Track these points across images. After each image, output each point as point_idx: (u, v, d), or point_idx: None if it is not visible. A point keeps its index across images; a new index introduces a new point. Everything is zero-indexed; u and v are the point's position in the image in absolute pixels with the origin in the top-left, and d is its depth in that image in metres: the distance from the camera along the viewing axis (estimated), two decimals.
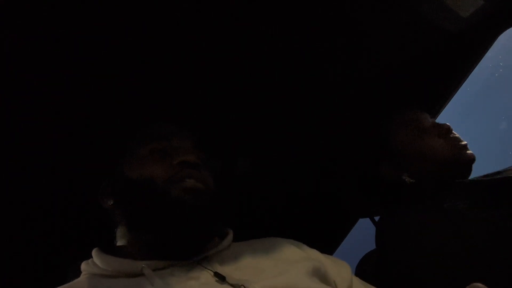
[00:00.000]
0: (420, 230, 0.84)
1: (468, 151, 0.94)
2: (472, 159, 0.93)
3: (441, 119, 1.22)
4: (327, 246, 1.51)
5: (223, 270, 0.61)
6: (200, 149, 0.74)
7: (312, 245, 0.77)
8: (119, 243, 0.69)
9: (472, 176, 0.97)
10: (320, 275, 0.65)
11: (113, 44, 0.79)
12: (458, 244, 0.77)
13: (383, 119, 1.08)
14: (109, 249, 0.67)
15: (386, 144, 1.04)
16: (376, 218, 1.31)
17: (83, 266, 0.65)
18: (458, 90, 1.24)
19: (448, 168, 0.93)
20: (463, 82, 1.22)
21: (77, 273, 0.65)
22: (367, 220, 1.29)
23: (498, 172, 0.93)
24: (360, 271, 1.07)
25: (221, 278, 0.59)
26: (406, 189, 0.99)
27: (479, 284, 0.49)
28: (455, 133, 0.97)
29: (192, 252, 0.65)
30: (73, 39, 0.74)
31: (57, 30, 0.72)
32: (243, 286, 0.57)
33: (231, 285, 0.58)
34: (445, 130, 0.96)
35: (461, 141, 0.95)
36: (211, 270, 0.60)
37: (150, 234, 0.65)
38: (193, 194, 0.64)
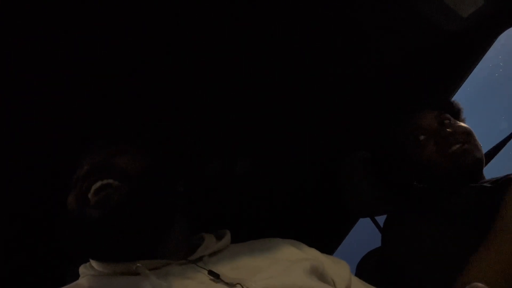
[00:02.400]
0: (423, 233, 0.83)
1: (468, 155, 0.89)
2: (468, 164, 0.88)
3: None
4: (327, 246, 1.51)
5: (218, 269, 0.61)
6: (112, 145, 0.70)
7: (312, 245, 0.77)
8: None
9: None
10: (318, 274, 0.65)
11: (111, 45, 0.79)
12: (458, 249, 0.76)
13: (389, 126, 1.05)
14: None
15: (393, 151, 1.02)
16: (377, 218, 1.31)
17: (81, 269, 0.66)
18: (458, 90, 1.25)
19: (450, 175, 0.91)
20: (463, 82, 1.22)
21: (76, 277, 0.65)
22: (367, 220, 1.29)
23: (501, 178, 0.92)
24: (360, 271, 1.07)
25: (215, 276, 0.58)
26: (415, 193, 0.99)
27: (479, 284, 0.49)
28: (459, 136, 0.91)
29: (138, 252, 0.63)
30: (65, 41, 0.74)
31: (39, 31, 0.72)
32: (239, 284, 0.57)
33: (227, 283, 0.57)
34: (442, 136, 0.91)
35: (462, 144, 0.90)
36: (205, 269, 0.60)
37: (99, 260, 0.63)
38: (102, 203, 0.60)
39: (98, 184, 0.62)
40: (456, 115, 1.01)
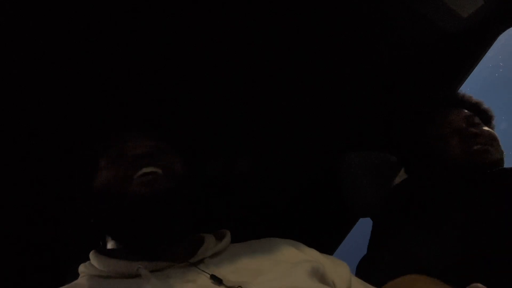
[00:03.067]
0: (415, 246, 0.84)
1: (489, 155, 0.90)
2: (486, 163, 0.90)
3: None
4: (327, 246, 1.50)
5: (220, 272, 0.61)
6: (159, 140, 0.73)
7: (312, 245, 0.77)
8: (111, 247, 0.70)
9: None
10: (319, 275, 0.65)
11: (109, 45, 0.79)
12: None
13: (384, 123, 1.07)
14: (106, 250, 0.68)
15: (410, 142, 1.03)
16: None
17: (81, 268, 0.65)
18: (458, 90, 1.24)
19: (467, 172, 0.92)
20: (463, 82, 1.22)
21: (76, 276, 0.65)
22: (367, 220, 1.29)
23: None
24: (360, 271, 1.06)
25: (217, 280, 0.59)
26: (416, 198, 0.98)
27: (479, 285, 0.49)
28: (482, 136, 0.93)
29: (180, 247, 0.65)
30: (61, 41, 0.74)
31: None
32: (240, 287, 0.57)
33: (228, 287, 0.58)
34: (467, 135, 0.94)
35: (483, 144, 0.92)
36: (208, 273, 0.60)
37: (128, 238, 0.65)
38: (150, 185, 0.63)
39: (150, 168, 0.64)
40: (486, 121, 1.02)
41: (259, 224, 1.27)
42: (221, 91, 0.97)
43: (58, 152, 0.88)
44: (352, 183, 1.17)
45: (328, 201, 1.37)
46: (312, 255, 0.73)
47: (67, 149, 0.88)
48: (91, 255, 0.65)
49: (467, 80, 1.22)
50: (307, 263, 0.65)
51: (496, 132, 1.02)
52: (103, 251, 0.66)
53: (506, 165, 0.99)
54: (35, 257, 0.97)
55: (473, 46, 1.11)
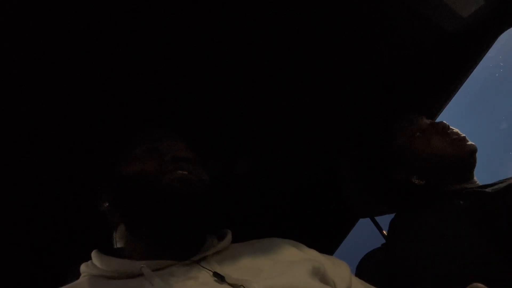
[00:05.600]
0: (430, 231, 0.85)
1: (467, 142, 0.95)
2: (472, 149, 0.94)
3: (441, 119, 1.22)
4: (327, 246, 1.51)
5: (222, 270, 0.61)
6: (192, 150, 0.76)
7: (312, 245, 0.77)
8: (118, 245, 0.69)
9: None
10: (320, 275, 0.65)
11: (108, 47, 0.79)
12: (465, 246, 0.78)
13: (385, 124, 1.10)
14: (108, 250, 0.67)
15: (390, 148, 1.06)
16: (377, 218, 1.31)
17: (83, 267, 0.65)
18: (458, 90, 1.25)
19: (451, 162, 0.95)
20: (464, 82, 1.22)
21: (77, 276, 0.65)
22: (367, 220, 1.29)
23: (501, 182, 0.93)
24: (360, 271, 1.07)
25: (220, 278, 0.59)
26: (418, 190, 1.00)
27: (480, 284, 0.49)
28: (452, 128, 0.99)
29: (188, 246, 0.66)
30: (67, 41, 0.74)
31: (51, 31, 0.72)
32: (243, 286, 0.57)
33: (230, 284, 0.58)
34: (441, 127, 0.98)
35: (459, 134, 0.97)
36: (210, 270, 0.60)
37: (146, 227, 0.66)
38: (185, 183, 0.65)
39: (185, 172, 0.66)
40: None
41: (259, 224, 1.27)
42: (221, 91, 0.97)
43: (59, 152, 0.88)
44: (353, 183, 1.17)
45: (328, 201, 1.37)
46: (312, 255, 0.73)
47: (68, 149, 0.89)
48: (93, 254, 0.65)
49: (467, 80, 1.22)
50: (308, 262, 0.66)
51: (496, 132, 1.04)
52: (105, 251, 0.66)
53: (506, 164, 0.99)
54: (35, 257, 0.97)
55: (473, 46, 1.11)
